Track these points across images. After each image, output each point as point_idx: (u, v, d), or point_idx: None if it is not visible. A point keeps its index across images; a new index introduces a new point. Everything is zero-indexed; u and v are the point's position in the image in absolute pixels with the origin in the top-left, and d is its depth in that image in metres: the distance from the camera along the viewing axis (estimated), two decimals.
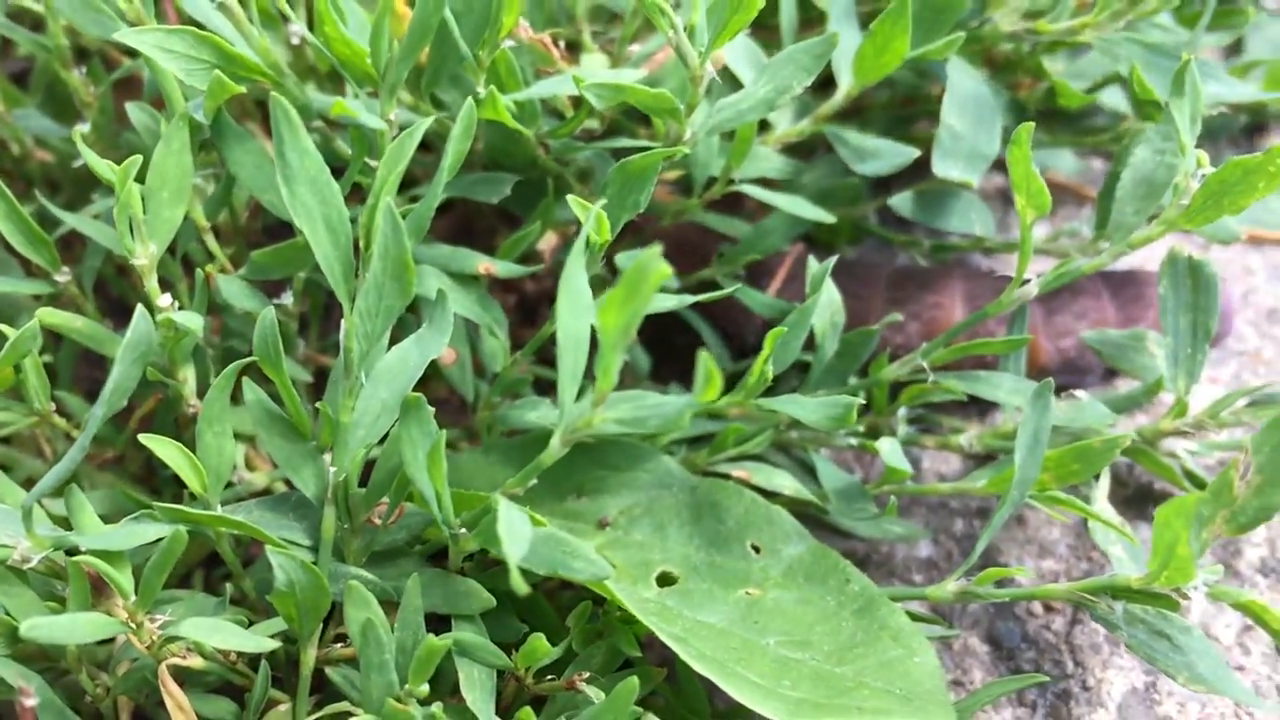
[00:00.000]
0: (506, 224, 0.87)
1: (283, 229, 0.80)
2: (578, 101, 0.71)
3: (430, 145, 0.79)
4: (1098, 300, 0.78)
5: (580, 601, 0.63)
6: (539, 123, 0.71)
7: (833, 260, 0.68)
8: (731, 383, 0.66)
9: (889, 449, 0.65)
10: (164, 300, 0.62)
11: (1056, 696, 0.70)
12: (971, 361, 0.72)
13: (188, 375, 0.65)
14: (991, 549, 0.76)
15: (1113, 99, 0.80)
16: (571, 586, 0.67)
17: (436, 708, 0.54)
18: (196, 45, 0.60)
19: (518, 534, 0.51)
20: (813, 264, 0.70)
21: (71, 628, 0.52)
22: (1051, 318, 0.80)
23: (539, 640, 0.56)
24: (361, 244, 0.57)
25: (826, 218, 0.73)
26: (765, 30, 0.83)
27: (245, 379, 0.61)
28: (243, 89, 0.61)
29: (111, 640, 0.63)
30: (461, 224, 0.89)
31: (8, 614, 0.56)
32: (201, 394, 0.67)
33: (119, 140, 0.76)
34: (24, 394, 0.64)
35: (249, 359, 0.59)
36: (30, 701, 0.52)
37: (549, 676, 0.60)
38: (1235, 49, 0.96)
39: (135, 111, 0.69)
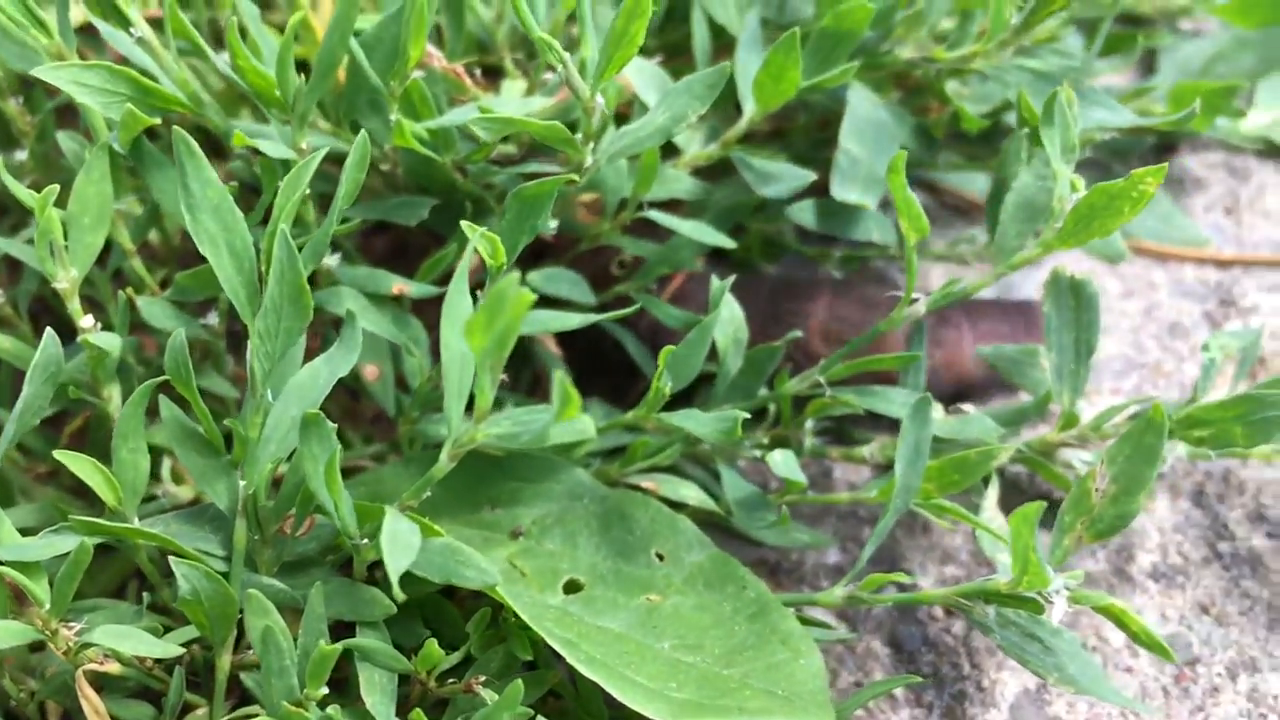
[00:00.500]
0: (438, 244, 0.90)
1: None
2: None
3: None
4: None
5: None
6: (455, 148, 0.74)
7: (731, 278, 0.71)
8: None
9: (781, 460, 0.68)
10: (86, 321, 0.65)
11: (952, 697, 0.73)
12: (871, 376, 0.75)
13: (112, 393, 0.68)
14: (896, 555, 0.79)
15: (1014, 121, 0.83)
16: (484, 596, 0.70)
17: (333, 709, 0.56)
18: (112, 79, 0.64)
19: (403, 544, 0.54)
20: (714, 281, 0.73)
21: None
22: (977, 326, 0.83)
23: (433, 645, 0.59)
24: (263, 269, 0.59)
25: (726, 242, 0.76)
26: (684, 56, 0.87)
27: (163, 397, 0.64)
28: (156, 120, 0.64)
29: (43, 647, 0.66)
30: (397, 245, 0.92)
31: None
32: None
33: (58, 166, 0.80)
34: None
35: (162, 378, 0.62)
36: None
37: (451, 680, 0.63)
38: (1150, 69, 0.99)
39: (65, 140, 0.72)
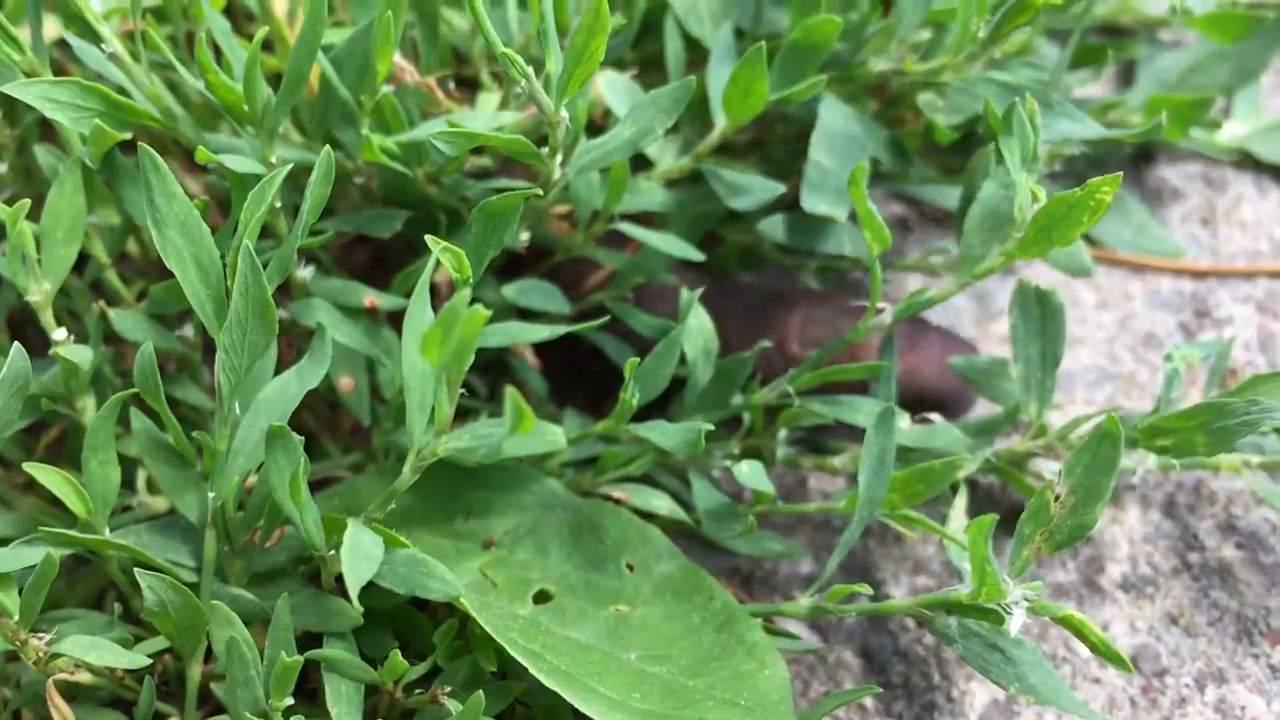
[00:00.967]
0: (417, 257, 0.91)
1: None
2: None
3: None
4: None
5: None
6: (428, 161, 0.75)
7: (700, 290, 0.72)
8: None
9: (748, 471, 0.69)
10: (59, 334, 0.66)
11: (922, 708, 0.73)
12: (842, 387, 0.75)
13: (86, 405, 0.69)
14: (869, 566, 0.79)
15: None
16: (453, 607, 0.71)
17: (297, 719, 0.57)
18: (83, 95, 0.64)
19: (364, 556, 0.55)
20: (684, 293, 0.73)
21: None
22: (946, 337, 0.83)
23: (397, 656, 0.60)
24: (229, 283, 0.60)
25: (694, 254, 0.77)
26: (660, 69, 0.87)
27: (134, 409, 0.65)
28: (126, 135, 0.65)
29: (18, 658, 0.67)
30: (377, 257, 0.92)
31: None
32: None
33: (38, 180, 0.80)
34: None
35: (132, 390, 0.63)
36: None
37: (419, 691, 0.63)
38: (1128, 81, 0.99)
39: (42, 154, 0.73)
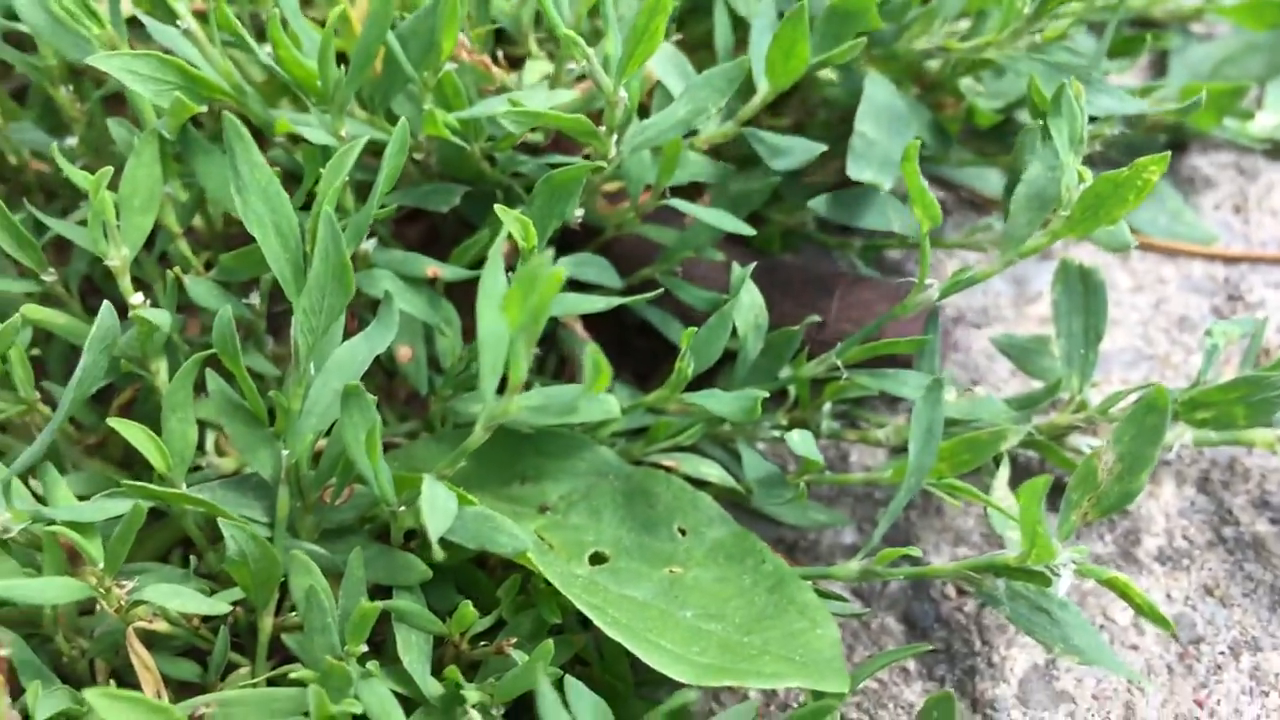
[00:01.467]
0: (469, 232, 0.93)
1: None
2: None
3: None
4: None
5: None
6: (484, 137, 0.77)
7: (752, 265, 0.74)
8: None
9: (799, 440, 0.71)
10: (136, 298, 0.69)
11: (964, 672, 0.75)
12: (887, 360, 0.77)
13: (160, 367, 0.71)
14: (910, 536, 0.81)
15: (1026, 118, 0.86)
16: (514, 565, 0.73)
17: (372, 665, 0.59)
18: (161, 68, 0.67)
19: (440, 509, 0.57)
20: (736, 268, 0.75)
21: (44, 590, 0.58)
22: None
23: (467, 608, 0.62)
24: (308, 248, 0.62)
25: (744, 229, 0.79)
26: (705, 49, 0.89)
27: (209, 370, 0.67)
28: (202, 108, 0.67)
29: (92, 610, 0.69)
30: (429, 233, 0.95)
31: None
32: None
33: (107, 152, 0.83)
34: (12, 383, 0.70)
35: (209, 351, 0.65)
36: (4, 651, 0.58)
37: (483, 643, 0.66)
38: (1161, 72, 1.01)
39: (115, 127, 0.75)
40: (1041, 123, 0.74)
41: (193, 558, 0.68)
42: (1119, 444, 0.60)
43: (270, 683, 0.65)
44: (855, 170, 0.77)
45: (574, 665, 0.69)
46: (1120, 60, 0.89)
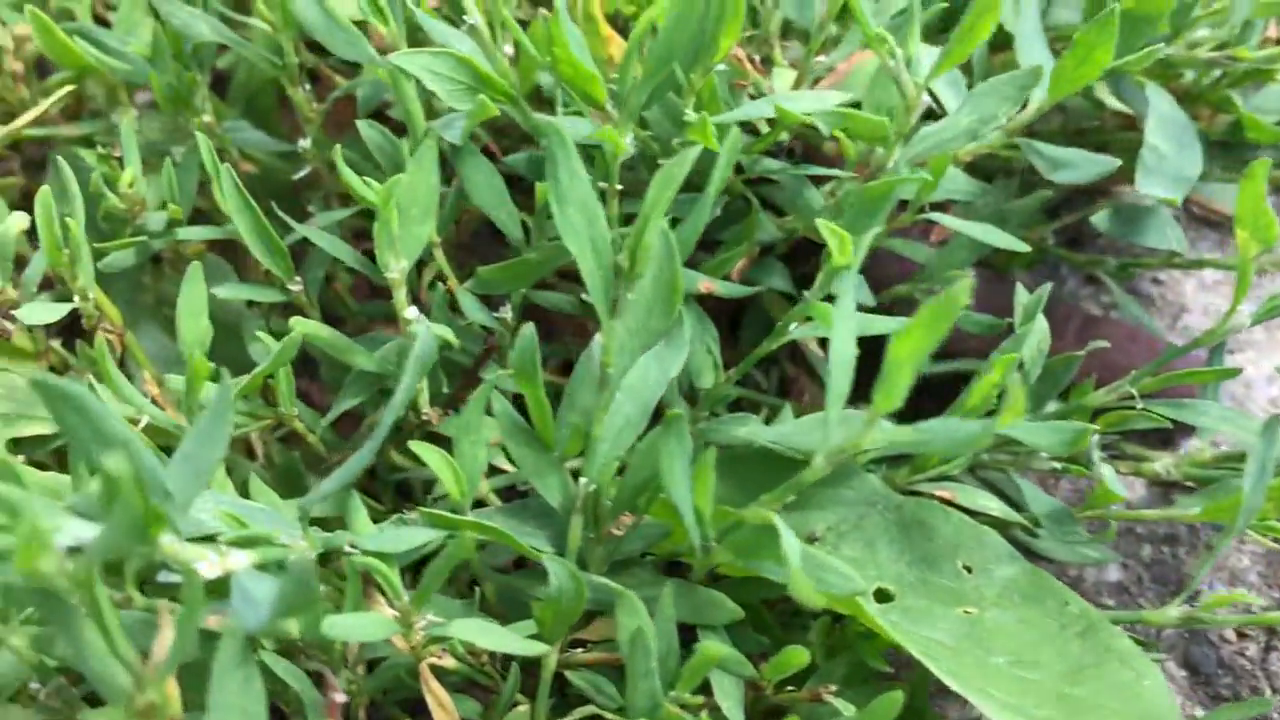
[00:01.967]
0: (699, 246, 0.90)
1: (481, 244, 0.83)
2: (770, 119, 0.73)
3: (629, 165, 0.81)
4: None
5: (796, 615, 0.65)
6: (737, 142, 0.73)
7: (1047, 286, 0.70)
8: None
9: (1109, 475, 0.67)
10: (410, 312, 0.65)
11: None
12: (1169, 391, 0.73)
13: (421, 385, 0.68)
14: (1182, 575, 0.77)
15: None
16: (786, 600, 0.69)
17: (705, 715, 0.55)
18: (457, 68, 0.63)
19: (794, 551, 0.53)
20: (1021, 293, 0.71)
21: (357, 626, 0.54)
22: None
23: (795, 652, 0.58)
24: (625, 264, 0.58)
25: (1019, 245, 0.74)
26: None
27: (495, 391, 0.63)
28: (499, 111, 0.63)
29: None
30: None
31: None
32: (432, 403, 0.69)
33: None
34: (274, 398, 0.66)
35: (505, 372, 0.61)
36: (339, 697, 0.54)
37: (789, 688, 0.62)
38: None
39: (366, 129, 0.72)
40: None
41: (476, 589, 0.64)
42: None
43: None
44: (1146, 185, 0.73)
45: None
46: None
